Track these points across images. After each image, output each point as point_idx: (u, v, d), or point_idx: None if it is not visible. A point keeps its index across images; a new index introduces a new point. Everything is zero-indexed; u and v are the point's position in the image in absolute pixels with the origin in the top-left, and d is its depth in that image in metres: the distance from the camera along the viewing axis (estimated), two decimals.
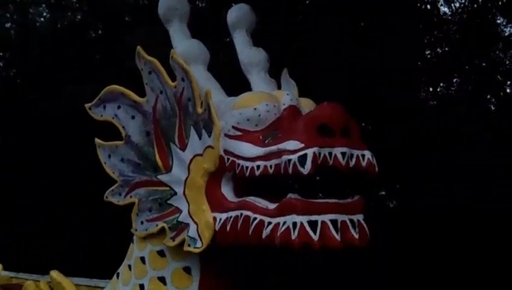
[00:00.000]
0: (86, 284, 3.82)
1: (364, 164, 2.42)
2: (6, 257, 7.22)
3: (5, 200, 8.20)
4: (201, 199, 2.68)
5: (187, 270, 2.79)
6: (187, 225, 2.70)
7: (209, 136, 2.66)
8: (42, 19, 9.69)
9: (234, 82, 3.00)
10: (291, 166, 2.29)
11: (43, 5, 9.53)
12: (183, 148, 2.76)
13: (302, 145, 2.30)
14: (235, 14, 3.34)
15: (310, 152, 2.27)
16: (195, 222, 2.68)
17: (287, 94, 2.69)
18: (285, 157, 2.33)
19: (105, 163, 2.99)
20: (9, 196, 8.18)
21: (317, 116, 2.38)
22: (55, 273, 3.27)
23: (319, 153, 2.29)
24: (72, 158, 6.57)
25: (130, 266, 2.97)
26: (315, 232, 2.26)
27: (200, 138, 2.70)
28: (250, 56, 3.18)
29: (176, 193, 2.78)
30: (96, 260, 5.74)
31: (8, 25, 10.03)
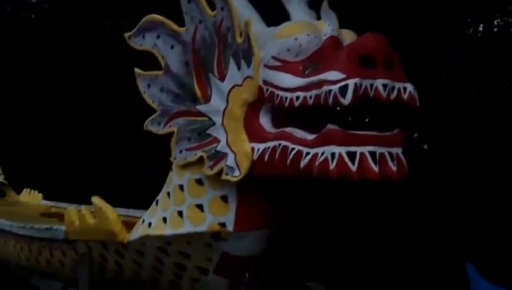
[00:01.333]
0: (123, 214, 3.97)
1: (405, 96, 2.39)
2: (46, 187, 7.52)
3: (43, 131, 8.41)
4: (240, 129, 2.70)
5: (224, 198, 2.86)
6: (225, 155, 2.74)
7: (248, 67, 2.65)
8: None
9: (274, 12, 2.95)
10: (331, 97, 2.28)
11: None
12: (222, 78, 2.77)
13: (344, 75, 2.28)
14: None
15: (351, 83, 2.25)
16: (233, 152, 2.72)
17: (328, 25, 2.65)
18: (325, 87, 2.31)
19: (144, 92, 3.03)
20: (46, 127, 8.38)
21: (360, 47, 2.34)
22: (96, 199, 3.39)
23: (361, 84, 2.26)
24: (111, 89, 6.65)
25: (168, 194, 3.05)
26: (353, 163, 2.27)
27: (239, 69, 2.70)
28: None
29: (214, 123, 2.81)
30: (132, 190, 5.89)
31: None
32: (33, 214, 6.15)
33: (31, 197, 7.60)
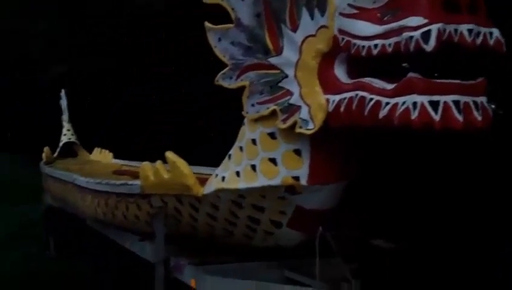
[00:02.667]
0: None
1: (491, 42, 2.26)
2: (117, 146, 7.76)
3: (113, 91, 8.62)
4: (314, 81, 2.66)
5: (298, 152, 2.84)
6: (299, 107, 2.71)
7: (323, 16, 2.58)
8: None
9: None
10: (413, 43, 2.18)
11: None
12: (294, 29, 2.72)
13: (426, 20, 2.17)
14: None
15: (434, 28, 2.14)
16: (307, 104, 2.68)
17: None
18: (406, 34, 2.21)
19: (215, 47, 3.02)
20: (113, 87, 8.58)
21: None
22: (170, 154, 3.45)
23: (444, 29, 2.15)
24: (180, 45, 6.67)
25: (241, 148, 3.07)
26: (436, 112, 2.18)
27: (312, 18, 2.63)
28: None
29: (287, 76, 2.77)
30: (202, 147, 5.98)
31: None
32: (105, 172, 6.38)
33: (102, 156, 7.90)
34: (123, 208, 4.21)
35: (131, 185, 4.00)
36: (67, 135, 8.24)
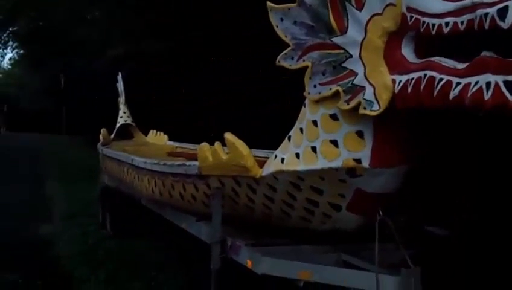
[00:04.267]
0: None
1: None
2: (172, 129, 7.88)
3: (169, 77, 8.73)
4: (379, 61, 2.59)
5: (360, 134, 2.79)
6: (363, 88, 2.65)
7: None
8: None
9: None
10: (488, 20, 2.08)
11: None
12: (360, 8, 2.65)
13: None
14: None
15: (511, 4, 2.03)
16: (371, 85, 2.61)
17: None
18: (480, 11, 2.11)
19: (277, 26, 2.99)
20: (172, 71, 8.67)
21: None
22: (229, 135, 3.46)
23: None
24: (239, 27, 6.66)
25: (301, 129, 3.03)
26: (511, 93, 2.09)
27: None
28: None
29: (351, 56, 2.71)
30: (259, 129, 5.98)
31: None
32: (160, 153, 6.50)
33: (157, 138, 8.05)
34: (180, 188, 4.27)
35: (189, 165, 4.04)
36: (123, 117, 8.44)
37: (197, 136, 5.55)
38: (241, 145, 3.39)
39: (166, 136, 7.91)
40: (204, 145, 3.76)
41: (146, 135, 8.43)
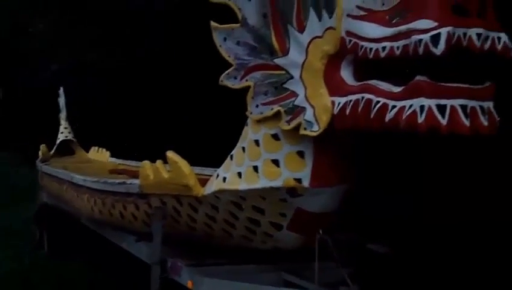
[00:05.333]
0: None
1: (499, 47, 2.25)
2: (114, 146, 7.72)
3: (112, 92, 8.58)
4: (319, 83, 2.64)
5: (301, 154, 2.83)
6: (303, 109, 2.69)
7: (330, 17, 2.57)
8: None
9: None
10: (422, 46, 2.16)
11: None
12: (301, 30, 2.70)
13: (436, 24, 2.15)
14: None
15: (444, 31, 2.13)
16: (312, 106, 2.66)
17: None
18: (415, 37, 2.19)
19: (220, 46, 3.00)
20: (114, 86, 8.54)
21: None
22: (171, 153, 3.42)
23: (453, 33, 2.14)
24: (183, 45, 6.65)
25: (244, 148, 3.04)
26: (443, 116, 2.17)
27: (320, 19, 2.62)
28: None
29: (292, 77, 2.75)
30: (202, 148, 5.95)
31: None
32: (102, 170, 6.35)
33: (99, 155, 7.85)
34: (121, 207, 4.18)
35: (129, 184, 3.97)
36: (64, 132, 8.19)
37: (140, 152, 5.48)
38: (183, 164, 3.36)
39: (108, 153, 7.73)
40: (146, 163, 3.70)
41: (88, 151, 8.22)
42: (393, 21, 2.35)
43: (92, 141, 8.18)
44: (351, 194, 3.07)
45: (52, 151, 7.91)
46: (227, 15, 2.98)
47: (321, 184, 2.85)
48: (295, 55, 2.73)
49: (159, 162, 3.59)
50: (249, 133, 3.01)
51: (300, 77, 2.71)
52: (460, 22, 2.17)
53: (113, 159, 7.48)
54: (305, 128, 2.68)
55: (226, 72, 2.99)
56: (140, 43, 7.48)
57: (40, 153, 7.72)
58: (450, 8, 2.18)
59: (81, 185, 4.96)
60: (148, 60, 7.47)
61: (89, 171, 5.90)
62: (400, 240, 3.86)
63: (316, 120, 2.64)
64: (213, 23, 3.01)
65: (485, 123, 2.25)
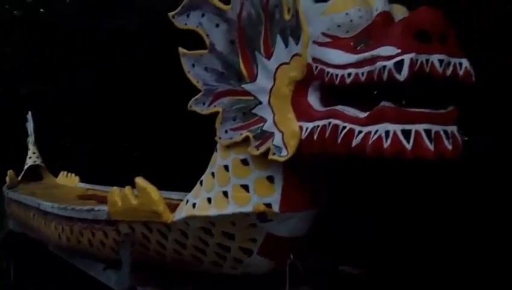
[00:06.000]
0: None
1: (461, 72, 2.31)
2: (83, 170, 7.60)
3: (81, 115, 8.48)
4: (287, 108, 2.66)
5: (270, 179, 2.83)
6: (272, 134, 2.70)
7: (297, 44, 2.60)
8: None
9: None
10: (386, 73, 2.21)
11: None
12: (268, 56, 2.72)
13: (399, 50, 2.20)
14: None
15: (407, 58, 2.17)
16: (280, 131, 2.67)
17: None
18: (379, 63, 2.24)
19: (189, 72, 3.00)
20: (84, 110, 8.45)
21: (415, 21, 2.26)
22: (140, 179, 3.38)
23: (416, 60, 2.18)
24: (153, 70, 6.64)
25: (213, 174, 3.03)
26: (408, 141, 2.21)
27: (286, 46, 2.65)
28: None
29: (260, 102, 2.77)
30: (173, 172, 5.91)
31: None
32: (71, 196, 6.23)
33: (68, 180, 7.70)
34: (89, 234, 4.10)
35: (97, 211, 3.90)
36: (32, 157, 8.03)
37: (110, 177, 5.40)
38: (152, 190, 3.32)
39: (77, 178, 7.61)
40: (114, 189, 3.65)
41: (56, 176, 8.08)
42: (358, 48, 2.40)
43: (61, 166, 8.05)
44: (321, 218, 3.09)
45: (20, 177, 7.75)
46: (197, 41, 3.01)
47: (291, 209, 2.86)
48: (263, 81, 2.75)
49: (127, 188, 3.54)
50: (218, 158, 3.00)
51: (269, 102, 2.73)
52: (423, 48, 2.22)
53: (83, 184, 7.36)
54: (274, 154, 2.69)
55: (195, 97, 2.99)
56: (109, 67, 7.44)
57: (7, 178, 7.55)
58: (412, 35, 2.23)
59: (48, 212, 4.85)
60: (118, 83, 7.42)
61: (57, 197, 5.78)
62: (370, 262, 3.88)
63: (285, 145, 2.65)
64: (181, 49, 3.02)
65: (449, 147, 2.29)
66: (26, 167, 7.95)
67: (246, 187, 2.88)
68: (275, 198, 2.83)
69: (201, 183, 3.11)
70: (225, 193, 2.94)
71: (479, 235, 3.87)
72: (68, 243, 4.56)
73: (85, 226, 4.11)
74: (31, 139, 8.19)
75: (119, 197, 3.58)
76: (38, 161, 8.03)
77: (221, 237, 3.12)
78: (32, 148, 8.11)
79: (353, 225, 3.84)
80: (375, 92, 2.34)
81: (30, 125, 8.26)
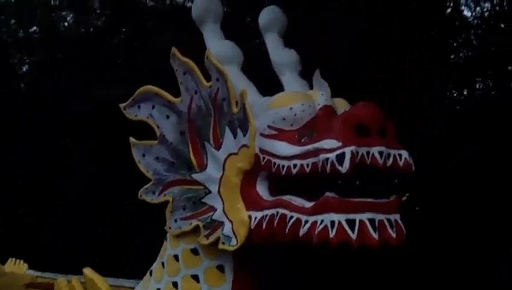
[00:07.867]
0: (113, 284, 3.86)
1: (401, 163, 2.41)
2: (32, 256, 7.32)
3: (31, 200, 8.29)
4: (236, 198, 2.70)
5: (220, 268, 2.82)
6: (221, 223, 2.72)
7: (244, 136, 2.68)
8: (69, 22, 9.81)
9: (267, 83, 3.01)
10: (329, 165, 2.29)
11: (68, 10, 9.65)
12: (217, 147, 2.79)
13: (340, 143, 2.30)
14: (267, 16, 3.36)
15: (347, 151, 2.27)
16: (230, 220, 2.69)
17: (322, 94, 2.70)
18: (322, 156, 2.33)
19: (139, 162, 3.03)
20: (34, 194, 8.27)
21: (355, 116, 2.38)
22: (88, 271, 3.31)
23: (357, 152, 2.28)
24: (104, 158, 6.63)
25: (163, 264, 3.00)
26: (353, 231, 2.26)
27: (235, 137, 2.72)
28: (282, 57, 3.21)
29: (210, 192, 2.80)
30: (125, 259, 5.78)
31: (33, 29, 10.17)
32: (18, 284, 5.96)
33: (16, 267, 7.38)
34: None
35: None
36: None
37: (61, 263, 5.24)
38: (99, 281, 3.26)
39: (26, 265, 7.29)
40: (61, 280, 3.56)
41: (4, 263, 7.73)
42: (302, 140, 2.50)
43: (9, 253, 7.74)
44: None
45: None
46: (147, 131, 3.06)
47: None
48: (212, 170, 2.79)
49: (75, 279, 3.45)
50: (168, 248, 2.98)
51: (218, 191, 2.76)
52: (363, 141, 2.33)
53: (31, 272, 7.06)
54: (223, 243, 2.70)
55: (145, 187, 3.00)
56: (58, 162, 7.41)
57: None
58: (353, 129, 2.34)
59: None
60: (68, 174, 7.37)
61: (3, 286, 5.52)
62: None
63: (234, 234, 2.67)
64: (132, 139, 3.06)
65: (394, 235, 2.35)
66: None
67: (196, 277, 2.85)
68: (225, 287, 2.80)
69: (150, 273, 3.07)
70: (175, 284, 2.90)
71: None
72: None
73: None
74: None
75: (67, 288, 3.47)
76: None
77: None
78: None
79: None
80: (320, 183, 2.41)
81: None
